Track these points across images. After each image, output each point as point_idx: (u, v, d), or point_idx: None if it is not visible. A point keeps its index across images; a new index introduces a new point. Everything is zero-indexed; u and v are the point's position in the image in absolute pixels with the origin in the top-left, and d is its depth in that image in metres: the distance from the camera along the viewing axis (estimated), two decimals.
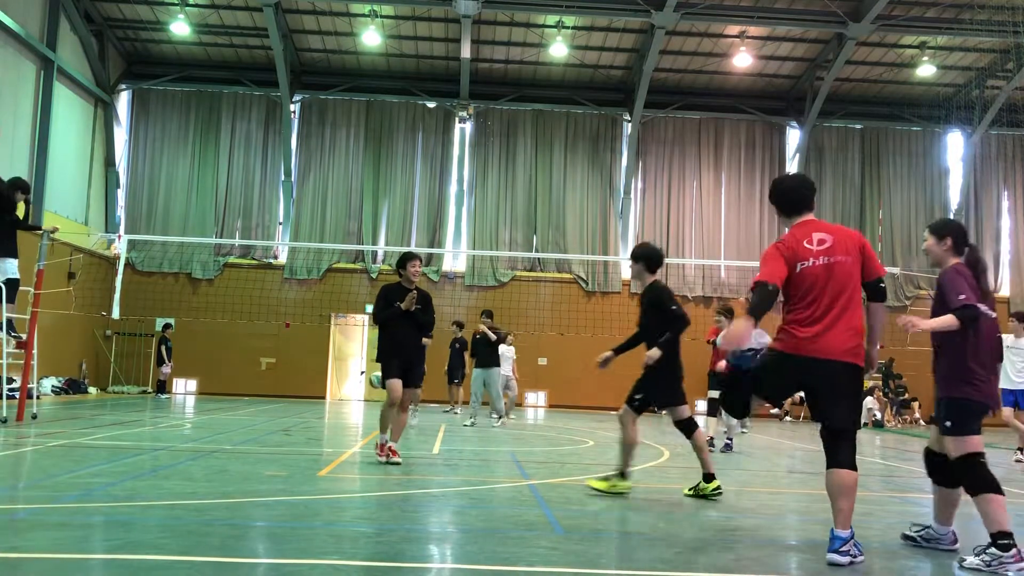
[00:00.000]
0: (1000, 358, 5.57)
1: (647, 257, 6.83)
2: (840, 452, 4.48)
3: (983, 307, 4.54)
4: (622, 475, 6.51)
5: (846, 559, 4.31)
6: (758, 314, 4.43)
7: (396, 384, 8.02)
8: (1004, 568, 4.23)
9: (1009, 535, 4.29)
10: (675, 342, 6.59)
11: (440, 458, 9.10)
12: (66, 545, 4.21)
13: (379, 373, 8.24)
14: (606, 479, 6.56)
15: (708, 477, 6.50)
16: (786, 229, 4.90)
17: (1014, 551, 4.25)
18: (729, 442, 11.16)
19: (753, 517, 5.95)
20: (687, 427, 6.57)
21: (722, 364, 11.53)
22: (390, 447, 8.04)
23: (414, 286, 8.11)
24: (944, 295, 4.61)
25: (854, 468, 4.46)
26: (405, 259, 8.27)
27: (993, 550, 4.30)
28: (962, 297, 4.50)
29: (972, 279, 4.66)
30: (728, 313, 11.84)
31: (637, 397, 6.62)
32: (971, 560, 4.38)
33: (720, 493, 6.48)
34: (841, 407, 4.53)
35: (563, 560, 4.37)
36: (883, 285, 4.78)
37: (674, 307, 6.61)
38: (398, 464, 7.88)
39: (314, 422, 14.24)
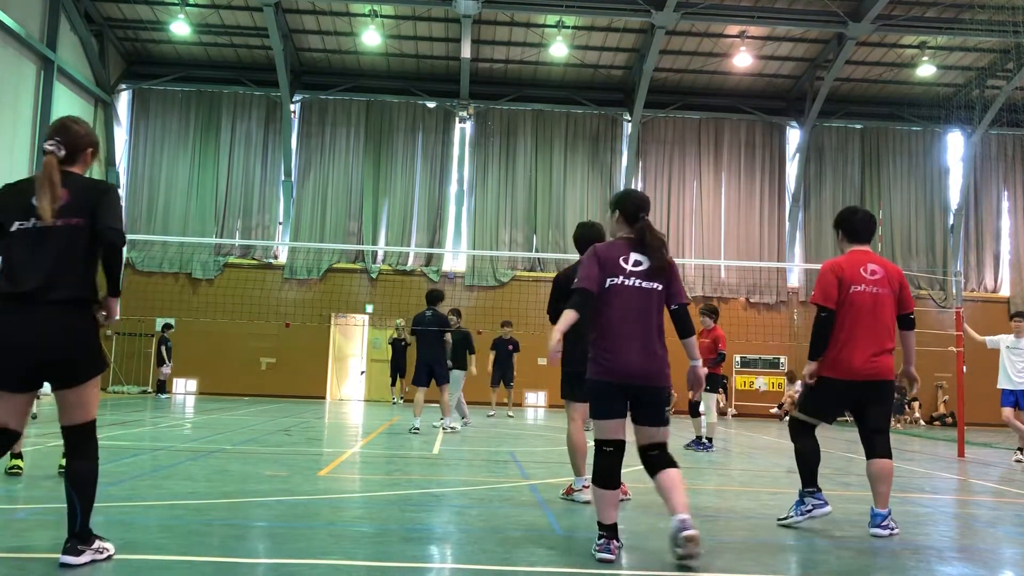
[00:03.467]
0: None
1: None
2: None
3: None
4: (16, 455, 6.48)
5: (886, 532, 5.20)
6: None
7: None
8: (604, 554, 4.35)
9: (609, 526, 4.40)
10: None
11: (440, 458, 9.10)
12: None
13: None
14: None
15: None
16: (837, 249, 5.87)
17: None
18: (705, 442, 11.12)
19: (753, 517, 5.96)
20: None
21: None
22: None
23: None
24: None
25: (890, 454, 5.46)
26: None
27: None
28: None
29: None
30: (711, 313, 11.79)
31: None
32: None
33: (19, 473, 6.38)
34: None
35: (563, 560, 4.37)
36: (912, 317, 5.64)
37: None
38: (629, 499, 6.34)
39: (314, 422, 14.24)
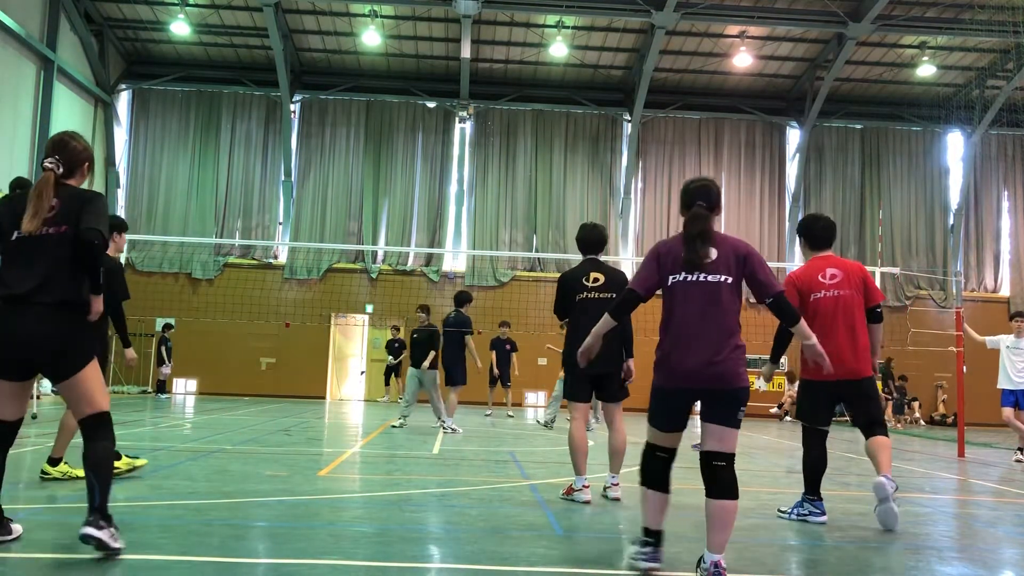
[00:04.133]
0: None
1: None
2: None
3: None
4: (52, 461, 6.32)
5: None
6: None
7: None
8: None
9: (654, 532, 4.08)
10: None
11: (440, 458, 9.10)
12: (66, 545, 4.21)
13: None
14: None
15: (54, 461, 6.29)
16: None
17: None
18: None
19: (753, 517, 5.97)
20: None
21: None
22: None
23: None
24: None
25: (887, 435, 5.74)
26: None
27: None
28: None
29: None
30: None
31: None
32: None
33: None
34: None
35: (563, 560, 4.37)
36: (879, 310, 5.83)
37: None
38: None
39: (314, 422, 14.23)
